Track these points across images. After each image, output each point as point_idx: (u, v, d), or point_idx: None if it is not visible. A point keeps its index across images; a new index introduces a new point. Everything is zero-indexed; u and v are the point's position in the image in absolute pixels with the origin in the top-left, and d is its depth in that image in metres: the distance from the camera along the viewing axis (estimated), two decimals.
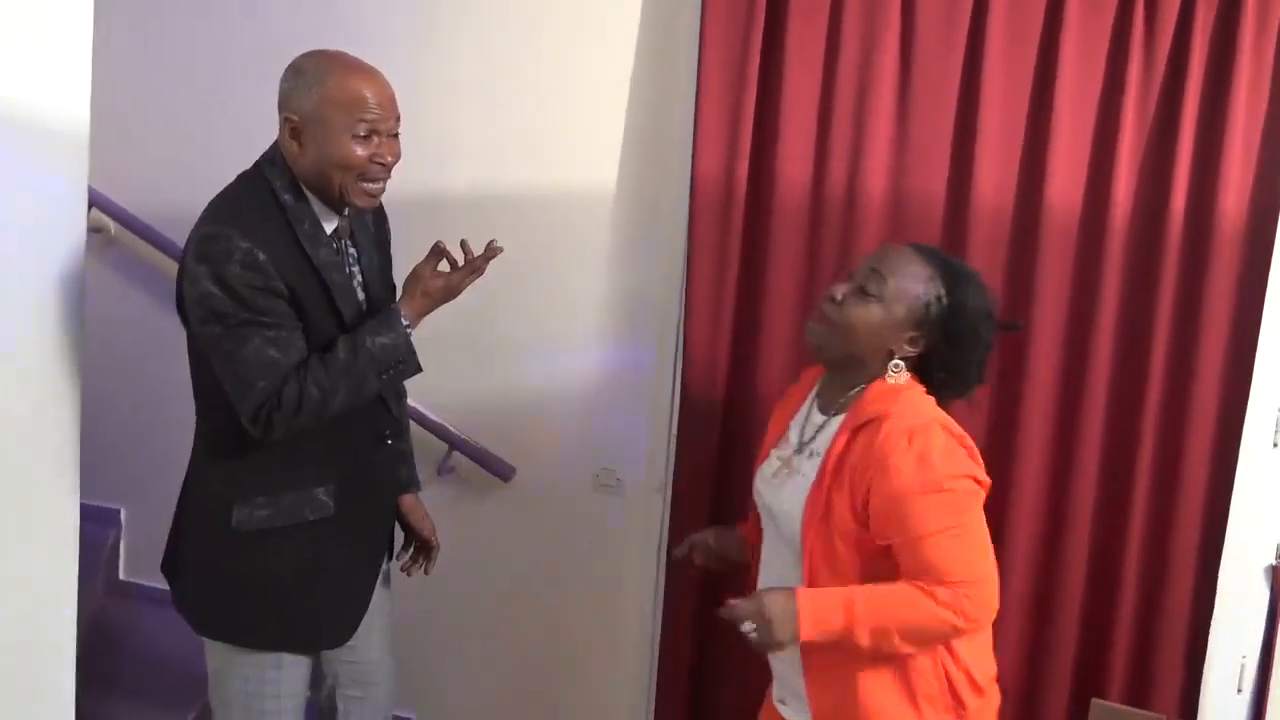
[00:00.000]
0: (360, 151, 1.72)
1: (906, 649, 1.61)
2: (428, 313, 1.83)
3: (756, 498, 1.85)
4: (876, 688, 1.66)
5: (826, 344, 1.72)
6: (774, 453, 1.83)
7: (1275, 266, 2.09)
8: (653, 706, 2.50)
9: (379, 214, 1.97)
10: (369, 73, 1.75)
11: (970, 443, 1.66)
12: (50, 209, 1.76)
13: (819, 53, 2.24)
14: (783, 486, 1.75)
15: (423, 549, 2.11)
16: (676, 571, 2.42)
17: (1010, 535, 2.23)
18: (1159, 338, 2.14)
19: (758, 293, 2.32)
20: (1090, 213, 2.17)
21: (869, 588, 1.62)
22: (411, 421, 2.22)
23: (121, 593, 2.85)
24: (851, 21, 2.21)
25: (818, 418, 1.77)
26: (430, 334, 2.51)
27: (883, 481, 1.60)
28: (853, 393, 1.71)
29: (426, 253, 1.83)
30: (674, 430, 2.43)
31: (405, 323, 1.79)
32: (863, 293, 1.68)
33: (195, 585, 1.89)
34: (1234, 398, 2.13)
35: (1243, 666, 2.22)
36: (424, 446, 2.56)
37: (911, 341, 1.68)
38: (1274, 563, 2.20)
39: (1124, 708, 1.74)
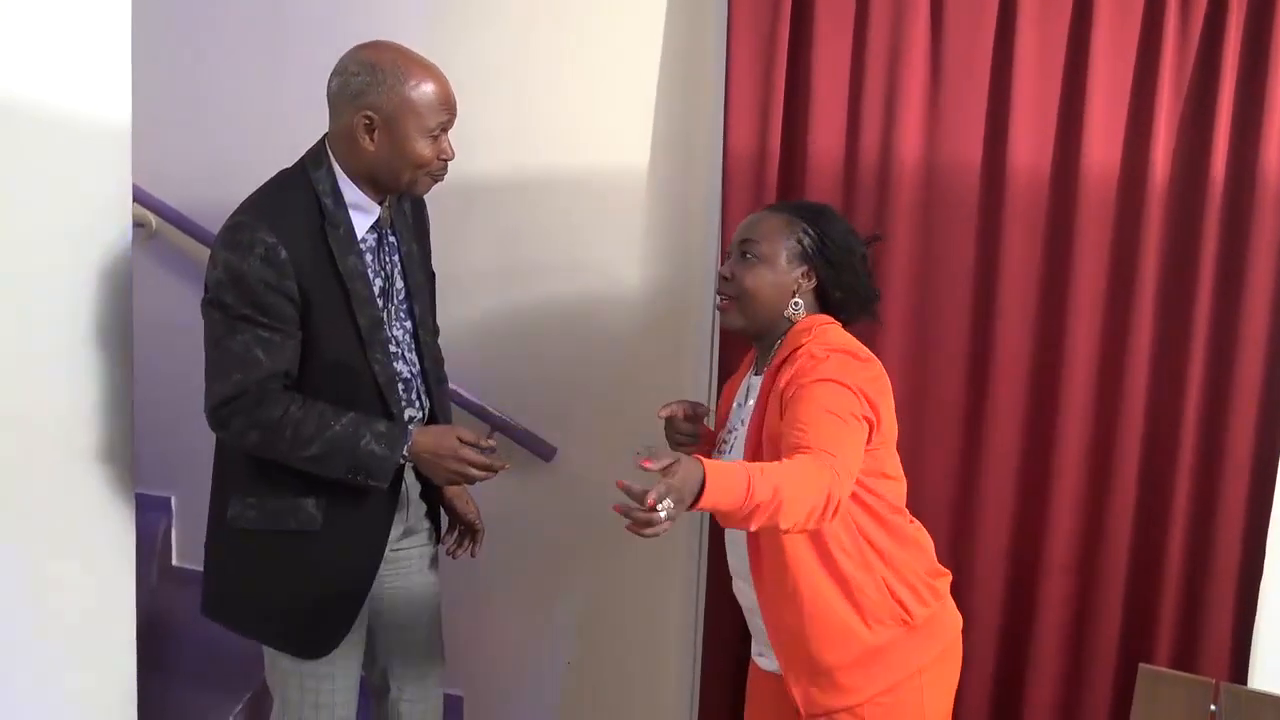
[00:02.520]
0: (430, 151, 1.78)
1: (791, 514, 1.57)
2: (424, 460, 1.81)
3: None
4: (826, 611, 1.74)
5: (742, 318, 1.87)
6: (723, 433, 1.95)
7: None
8: (699, 681, 2.52)
9: (417, 203, 2.00)
10: (438, 72, 1.80)
11: (877, 369, 1.77)
12: (96, 205, 1.80)
13: (849, 23, 2.23)
14: (733, 441, 1.87)
15: (467, 532, 2.14)
16: (719, 548, 2.43)
17: (1054, 501, 2.23)
18: (1202, 297, 2.11)
19: None
20: (1128, 177, 2.15)
21: (758, 463, 1.65)
22: (452, 404, 2.25)
23: (174, 578, 2.91)
24: None
25: (754, 380, 1.90)
26: (470, 317, 2.56)
27: (792, 388, 1.70)
28: (777, 344, 1.85)
29: (482, 442, 1.84)
30: (713, 406, 2.43)
31: (406, 454, 1.80)
32: (745, 261, 1.86)
33: (207, 569, 1.95)
34: (1278, 360, 2.10)
35: None
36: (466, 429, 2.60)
37: (805, 276, 1.85)
38: None
39: (1172, 672, 1.73)
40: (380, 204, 1.85)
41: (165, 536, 2.95)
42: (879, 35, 2.21)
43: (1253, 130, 2.06)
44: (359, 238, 1.82)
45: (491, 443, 1.85)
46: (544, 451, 2.59)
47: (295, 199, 1.78)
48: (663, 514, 1.51)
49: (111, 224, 1.83)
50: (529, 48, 2.50)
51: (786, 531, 1.61)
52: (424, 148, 1.77)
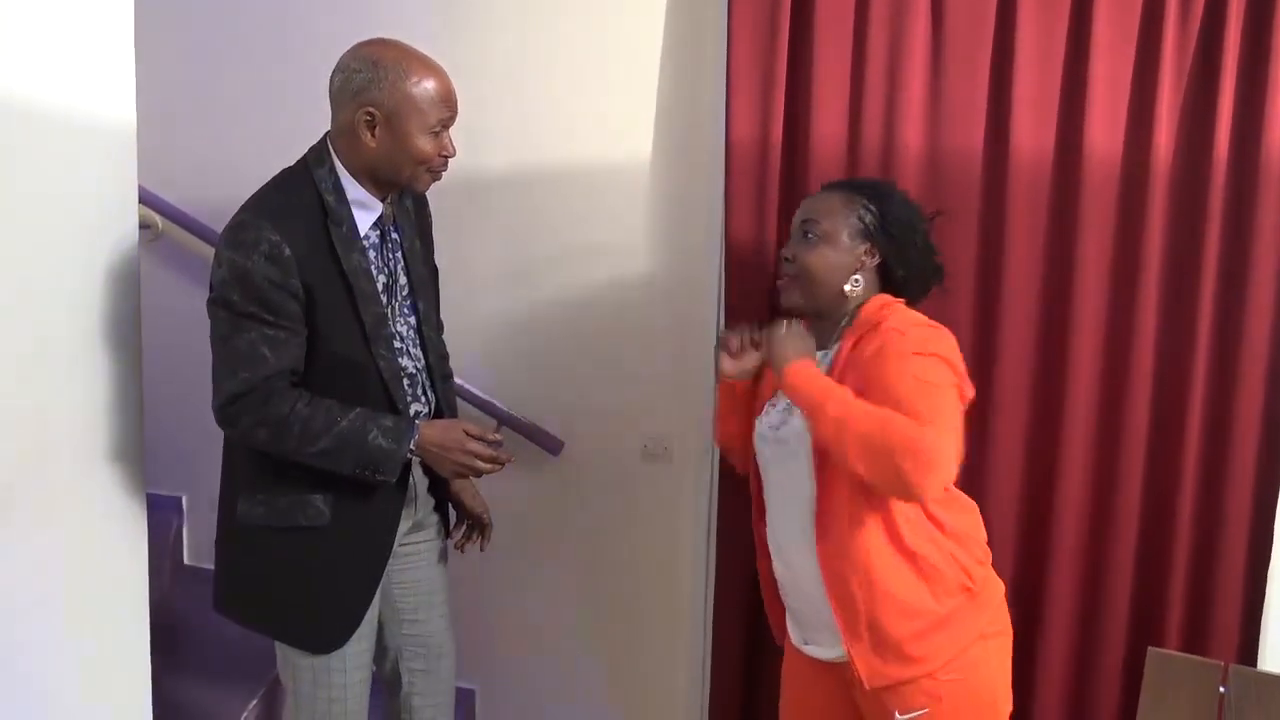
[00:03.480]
0: (431, 147, 1.79)
1: (852, 451, 1.63)
2: (431, 453, 1.83)
3: (756, 448, 1.93)
4: (895, 585, 1.73)
5: (804, 298, 1.87)
6: (769, 404, 1.92)
7: None
8: (709, 673, 2.53)
9: (419, 199, 2.00)
10: (440, 69, 1.81)
11: (955, 342, 1.77)
12: (101, 207, 1.81)
13: (849, 11, 2.22)
14: (792, 419, 1.82)
15: (476, 526, 2.15)
16: (728, 539, 2.45)
17: (1061, 485, 2.22)
18: (1206, 282, 2.11)
19: None
20: (1131, 162, 2.14)
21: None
22: (459, 399, 2.26)
23: (187, 577, 2.93)
24: None
25: (816, 356, 1.87)
26: (476, 312, 2.57)
27: (876, 356, 1.72)
28: (844, 322, 1.85)
29: (488, 435, 1.86)
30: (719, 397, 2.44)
31: (413, 448, 1.81)
32: (806, 240, 1.86)
33: (217, 565, 1.97)
34: None
35: None
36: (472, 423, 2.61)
37: (868, 254, 1.86)
38: None
39: (1181, 655, 1.74)
40: (383, 201, 1.86)
41: (177, 536, 2.97)
42: (880, 23, 2.21)
43: (1255, 115, 2.05)
44: (362, 234, 1.83)
45: (498, 436, 1.86)
46: (551, 445, 2.60)
47: (298, 197, 1.79)
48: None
49: (118, 225, 1.83)
50: (531, 42, 2.51)
51: (853, 469, 1.64)
52: (425, 144, 1.78)
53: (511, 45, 2.52)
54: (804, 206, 1.91)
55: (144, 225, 2.81)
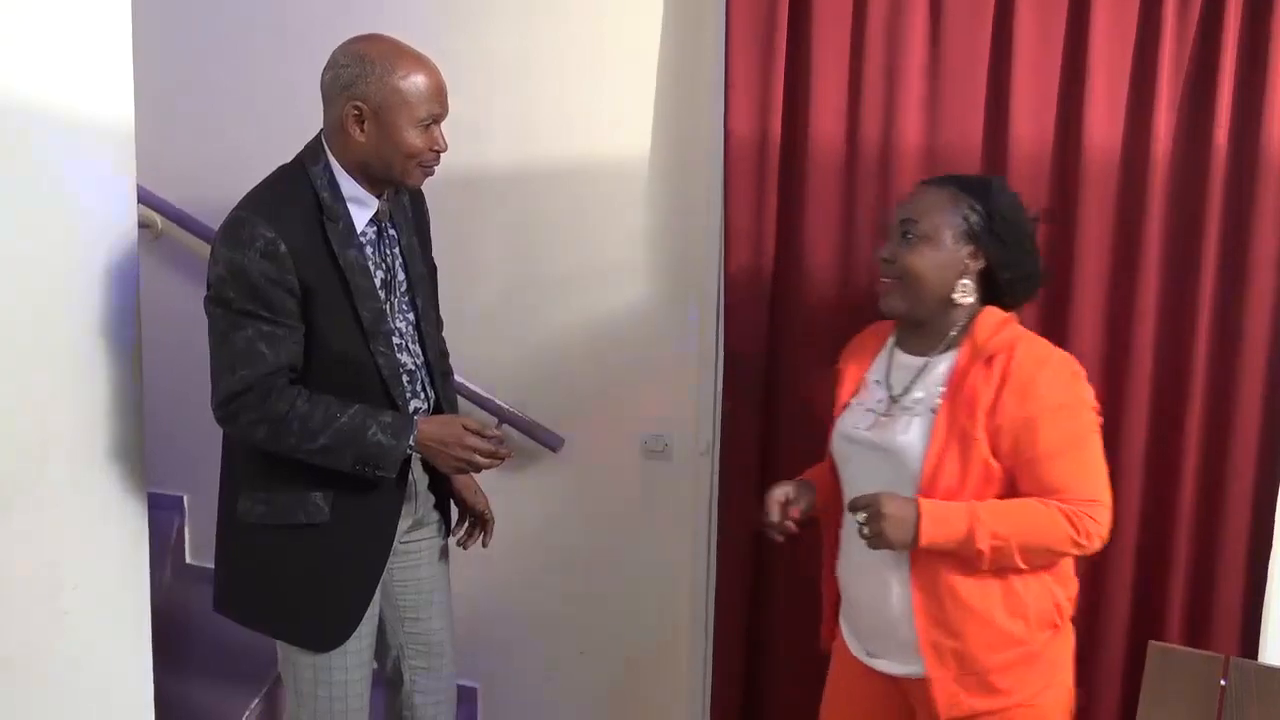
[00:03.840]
0: (421, 142, 1.79)
1: (1020, 563, 1.66)
2: (430, 448, 1.83)
3: (840, 448, 1.86)
4: (995, 616, 1.69)
5: (907, 302, 1.78)
6: (855, 402, 1.86)
7: None
8: (711, 670, 2.53)
9: (416, 195, 2.00)
10: (429, 62, 1.80)
11: (1085, 379, 1.73)
12: (101, 206, 1.81)
13: (848, 7, 2.22)
14: (894, 424, 1.76)
15: (478, 523, 2.15)
16: (728, 535, 2.45)
17: None
18: (1206, 273, 2.10)
19: (796, 252, 2.32)
20: (1130, 155, 2.13)
21: (991, 501, 1.67)
22: (460, 396, 2.26)
23: (188, 576, 2.94)
24: None
25: (911, 360, 1.81)
26: (476, 309, 2.57)
27: (1018, 404, 1.65)
28: (954, 331, 1.77)
29: (487, 431, 1.86)
30: (719, 393, 2.44)
31: (412, 443, 1.81)
32: (906, 241, 1.76)
33: (217, 564, 1.97)
34: None
35: None
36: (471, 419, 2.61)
37: (973, 256, 1.75)
38: None
39: (1181, 648, 1.74)
40: (378, 197, 1.86)
41: (179, 534, 2.98)
42: (878, 18, 2.21)
43: (1254, 106, 2.04)
44: (358, 231, 1.83)
45: (497, 432, 1.86)
46: (552, 442, 2.60)
47: (293, 193, 1.79)
48: (864, 531, 1.66)
49: (117, 225, 1.84)
50: (530, 39, 2.51)
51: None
52: (414, 137, 1.78)
53: (512, 42, 2.52)
54: (905, 204, 1.81)
55: (144, 225, 2.82)
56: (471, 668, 2.69)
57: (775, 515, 1.83)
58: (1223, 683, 1.68)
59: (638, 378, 2.56)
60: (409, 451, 1.82)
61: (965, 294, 1.75)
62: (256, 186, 1.82)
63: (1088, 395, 1.71)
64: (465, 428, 1.83)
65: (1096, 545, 1.67)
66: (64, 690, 1.76)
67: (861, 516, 1.67)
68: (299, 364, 1.80)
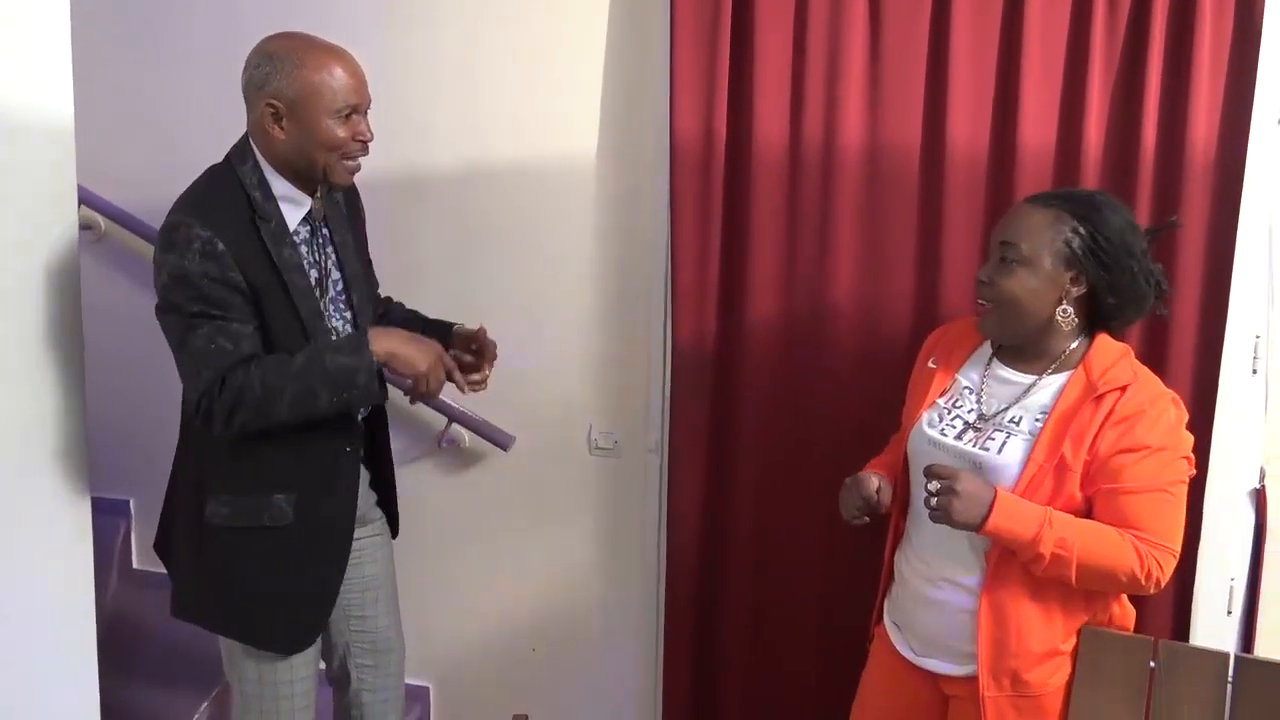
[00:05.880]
0: (342, 132, 1.78)
1: (1075, 582, 1.66)
2: (399, 358, 1.80)
3: (921, 448, 1.81)
4: (1053, 641, 1.73)
5: (1004, 327, 1.75)
6: (944, 403, 1.82)
7: (1246, 195, 2.11)
8: (662, 666, 2.56)
9: (350, 192, 2.00)
10: (342, 53, 1.79)
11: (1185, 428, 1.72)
12: (40, 208, 1.79)
13: (790, 9, 2.26)
14: (988, 439, 1.73)
15: (479, 353, 2.05)
16: (679, 532, 2.47)
17: None
18: None
19: (742, 250, 2.35)
20: (1063, 153, 2.19)
21: (1068, 515, 1.67)
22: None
23: (135, 581, 2.90)
24: None
25: (1013, 375, 1.78)
26: (423, 308, 2.55)
27: (1117, 438, 1.64)
28: (1062, 354, 1.74)
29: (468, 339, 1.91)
30: (668, 391, 2.47)
31: (374, 351, 1.77)
32: (1004, 264, 1.71)
33: (177, 569, 1.95)
34: (1212, 326, 2.16)
35: (1231, 589, 2.26)
36: (423, 421, 2.61)
37: (1074, 282, 1.70)
38: (1258, 486, 2.24)
39: (1112, 631, 1.78)
40: (311, 195, 1.86)
41: (125, 539, 2.94)
42: (819, 19, 2.24)
43: (1180, 109, 2.10)
44: (291, 230, 1.83)
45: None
46: (502, 441, 2.61)
47: (224, 194, 1.79)
48: (933, 501, 1.63)
49: (57, 227, 1.82)
50: (477, 40, 2.51)
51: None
52: (334, 130, 1.77)
53: (457, 42, 2.52)
54: (1004, 223, 1.74)
55: (86, 226, 2.78)
56: (423, 666, 2.70)
57: (871, 492, 1.80)
58: (1153, 664, 1.74)
59: (587, 376, 2.58)
60: (376, 364, 1.77)
61: (1066, 319, 1.70)
62: (188, 189, 1.81)
63: (1186, 444, 1.69)
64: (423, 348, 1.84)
65: (1153, 590, 1.67)
66: (6, 697, 1.74)
67: (934, 486, 1.64)
68: (260, 354, 1.78)
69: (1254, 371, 2.22)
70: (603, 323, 2.55)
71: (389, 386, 1.85)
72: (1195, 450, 2.15)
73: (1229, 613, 2.27)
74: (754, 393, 2.39)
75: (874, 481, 1.82)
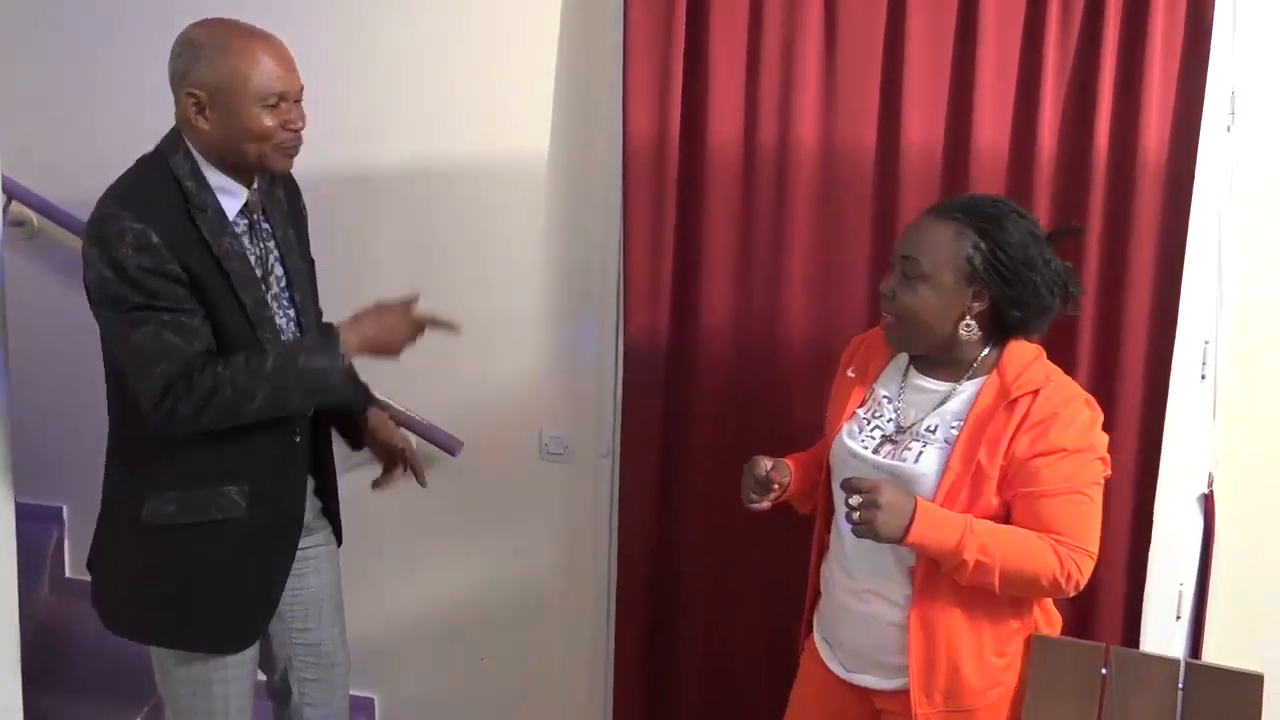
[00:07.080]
0: (270, 121, 1.71)
1: (998, 589, 1.64)
2: (374, 344, 1.78)
3: (843, 459, 1.79)
4: (984, 651, 1.71)
5: (908, 341, 1.75)
6: (862, 414, 1.80)
7: (1197, 199, 2.12)
8: (612, 675, 2.52)
9: (291, 187, 1.94)
10: (267, 37, 1.72)
11: (1101, 430, 1.70)
12: None
13: (744, 7, 2.24)
14: (905, 450, 1.72)
15: (400, 461, 2.08)
16: (630, 538, 2.44)
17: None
18: (1088, 275, 2.15)
19: (695, 252, 2.33)
20: (1016, 156, 2.19)
21: (987, 521, 1.65)
22: None
23: (68, 591, 2.80)
24: None
25: (929, 384, 1.75)
26: None
27: (1032, 441, 1.63)
28: (974, 362, 1.71)
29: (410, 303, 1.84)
30: (620, 395, 2.44)
31: (343, 350, 1.74)
32: (906, 279, 1.69)
33: (104, 579, 1.87)
34: (1162, 331, 2.17)
35: (1180, 594, 2.27)
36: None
37: (976, 297, 1.67)
38: (1206, 491, 2.25)
39: (1063, 639, 1.78)
40: (247, 186, 1.79)
41: (58, 547, 2.85)
42: (774, 21, 2.23)
43: (1132, 113, 2.11)
44: (230, 220, 1.77)
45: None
46: (450, 445, 2.56)
47: (156, 184, 1.72)
48: (855, 515, 1.59)
49: None
50: (428, 35, 2.47)
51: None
52: (260, 117, 1.70)
53: (408, 38, 2.48)
54: (905, 237, 1.72)
55: (18, 222, 2.70)
56: (368, 677, 2.63)
57: (762, 471, 1.79)
58: (1104, 671, 1.73)
59: (538, 380, 2.54)
60: (346, 361, 1.75)
61: (970, 333, 1.69)
62: (117, 180, 1.74)
63: (1101, 444, 1.69)
64: (389, 312, 1.81)
65: (1072, 592, 1.67)
66: None
67: (855, 500, 1.61)
68: (213, 346, 1.72)
69: (1203, 377, 2.23)
70: (553, 325, 2.51)
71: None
72: (1144, 456, 2.20)
73: (1178, 618, 2.28)
74: (707, 392, 2.37)
75: (766, 463, 1.80)
